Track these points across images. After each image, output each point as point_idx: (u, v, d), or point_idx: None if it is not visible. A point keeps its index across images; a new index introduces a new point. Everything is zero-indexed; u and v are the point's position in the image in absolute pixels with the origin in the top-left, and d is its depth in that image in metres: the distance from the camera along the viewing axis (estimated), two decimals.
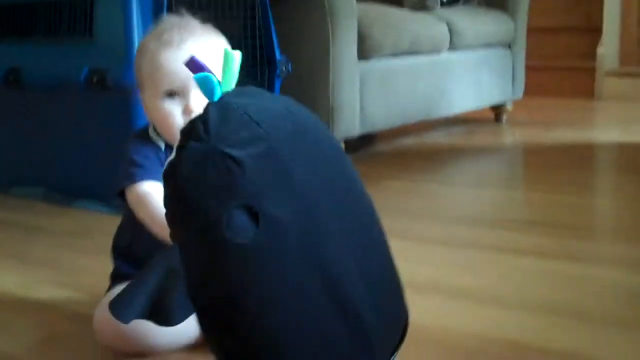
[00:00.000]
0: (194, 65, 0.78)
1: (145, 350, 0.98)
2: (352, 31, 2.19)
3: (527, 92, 3.18)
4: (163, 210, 0.89)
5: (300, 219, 0.74)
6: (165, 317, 0.96)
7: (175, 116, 0.97)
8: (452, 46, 2.69)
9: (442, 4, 2.87)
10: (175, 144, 0.77)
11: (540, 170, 2.27)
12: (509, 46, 3.05)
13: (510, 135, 2.93)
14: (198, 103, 0.96)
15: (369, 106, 2.30)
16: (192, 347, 1.00)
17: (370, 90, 2.30)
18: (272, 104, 0.79)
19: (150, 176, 0.97)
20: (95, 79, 1.71)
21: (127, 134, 1.07)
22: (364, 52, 2.26)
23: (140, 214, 0.96)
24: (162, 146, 1.01)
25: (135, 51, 1.06)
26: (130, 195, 0.98)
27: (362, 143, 2.58)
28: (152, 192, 0.95)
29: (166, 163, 0.78)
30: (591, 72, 3.88)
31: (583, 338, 1.02)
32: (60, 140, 1.87)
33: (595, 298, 1.18)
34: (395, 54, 2.41)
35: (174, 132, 0.96)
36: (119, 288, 1.03)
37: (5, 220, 1.77)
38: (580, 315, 1.10)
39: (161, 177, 0.96)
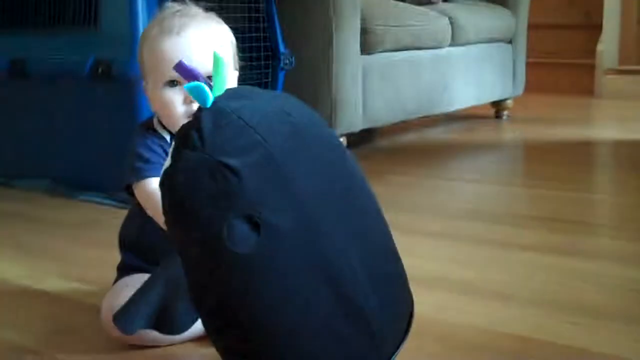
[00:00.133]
0: (182, 69, 0.77)
1: (153, 342, 0.99)
2: (355, 25, 2.20)
3: (527, 88, 3.20)
4: None
5: (301, 224, 0.73)
6: (170, 326, 0.97)
7: (177, 105, 0.97)
8: (454, 41, 2.70)
9: None
10: (170, 149, 0.77)
11: (540, 166, 2.28)
12: (510, 42, 3.06)
13: (511, 132, 2.94)
14: None
15: (371, 101, 2.30)
16: (197, 340, 1.01)
17: (373, 84, 2.31)
18: (267, 105, 0.77)
19: (157, 172, 0.96)
20: (100, 70, 1.71)
21: (132, 125, 1.07)
22: (367, 46, 2.26)
23: (150, 212, 0.97)
24: (168, 137, 1.01)
25: None
26: (138, 192, 0.98)
27: (363, 138, 2.58)
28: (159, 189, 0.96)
29: (162, 172, 0.77)
30: (591, 69, 3.89)
31: (588, 332, 1.03)
32: (64, 131, 1.87)
33: (598, 293, 1.19)
34: (398, 49, 2.42)
35: (176, 121, 0.97)
36: (127, 279, 1.04)
37: (10, 212, 1.77)
38: (584, 310, 1.11)
39: None
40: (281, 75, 1.97)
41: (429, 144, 2.68)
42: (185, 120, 0.95)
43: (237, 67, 1.05)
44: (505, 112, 3.15)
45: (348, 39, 2.18)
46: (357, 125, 2.26)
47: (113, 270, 1.09)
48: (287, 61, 1.96)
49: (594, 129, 3.00)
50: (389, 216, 0.86)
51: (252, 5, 1.91)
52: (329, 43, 2.14)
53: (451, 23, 2.67)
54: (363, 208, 0.82)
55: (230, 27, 1.04)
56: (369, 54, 2.29)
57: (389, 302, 0.81)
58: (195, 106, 0.96)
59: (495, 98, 3.04)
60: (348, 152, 0.85)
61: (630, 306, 1.13)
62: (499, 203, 1.85)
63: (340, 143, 0.84)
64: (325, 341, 0.74)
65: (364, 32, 2.24)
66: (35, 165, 1.97)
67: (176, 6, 1.03)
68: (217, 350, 0.78)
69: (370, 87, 2.30)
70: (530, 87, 3.30)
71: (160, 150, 1.00)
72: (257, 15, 1.92)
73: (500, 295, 1.18)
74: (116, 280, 1.07)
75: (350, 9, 2.16)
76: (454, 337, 1.02)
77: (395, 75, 2.42)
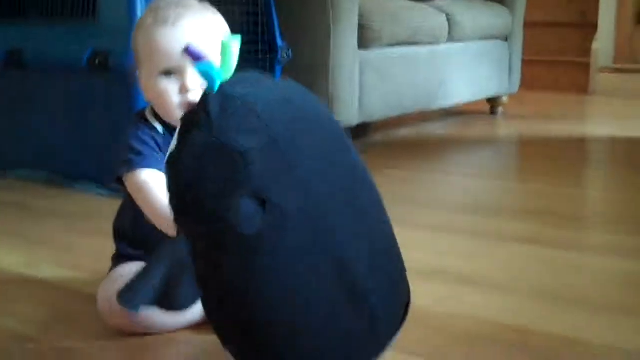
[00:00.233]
0: (190, 52, 0.78)
1: (150, 330, 1.00)
2: (352, 19, 2.20)
3: (522, 86, 3.21)
4: (161, 200, 0.90)
5: (307, 207, 0.74)
6: (172, 303, 0.97)
7: (172, 95, 0.97)
8: (451, 37, 2.70)
9: None
10: (176, 133, 0.77)
11: (534, 162, 2.29)
12: (506, 39, 3.07)
13: (506, 128, 2.96)
14: (194, 82, 0.95)
15: (368, 95, 2.31)
16: (195, 327, 1.01)
17: (369, 79, 2.31)
18: (270, 93, 0.78)
19: (149, 163, 0.97)
20: (97, 61, 1.71)
21: (129, 117, 1.06)
22: (364, 41, 2.27)
23: (139, 202, 0.96)
24: (160, 129, 1.01)
25: None
26: (128, 183, 0.98)
27: (358, 133, 2.59)
28: (150, 181, 0.95)
29: (167, 153, 0.77)
30: (585, 67, 3.91)
31: (582, 323, 1.04)
32: (61, 122, 1.86)
33: (592, 284, 1.20)
34: (395, 44, 2.42)
35: (171, 111, 0.97)
36: (121, 269, 1.04)
37: (7, 202, 1.77)
38: (578, 301, 1.12)
39: (159, 164, 0.96)
40: (278, 69, 1.97)
41: (424, 138, 2.69)
42: (179, 110, 0.96)
43: None
44: (500, 109, 3.16)
45: (345, 34, 2.18)
46: (354, 119, 2.26)
47: (109, 259, 1.10)
48: (285, 54, 1.96)
49: (588, 126, 3.01)
50: None
51: None
52: (326, 37, 2.14)
53: (448, 20, 2.68)
54: (364, 195, 0.83)
55: (228, 20, 1.03)
56: (366, 49, 2.29)
57: (388, 289, 0.82)
58: (190, 96, 0.96)
59: (491, 94, 3.05)
60: (350, 139, 0.85)
61: (627, 298, 1.14)
62: (495, 197, 1.86)
63: (342, 129, 0.85)
64: (327, 324, 0.75)
65: (362, 27, 2.24)
66: (32, 155, 1.97)
67: None
68: (218, 333, 0.78)
69: (367, 82, 2.30)
70: (526, 84, 3.32)
71: (152, 142, 0.99)
72: (255, 8, 1.91)
73: (499, 287, 1.18)
74: (111, 270, 1.07)
75: (348, 3, 2.16)
76: (454, 329, 1.03)
77: (392, 71, 2.42)
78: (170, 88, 0.97)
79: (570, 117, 3.17)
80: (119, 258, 1.08)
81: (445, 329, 1.03)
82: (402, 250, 0.87)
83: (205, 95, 0.75)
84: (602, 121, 3.16)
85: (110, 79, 1.71)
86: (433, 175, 2.09)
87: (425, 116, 2.99)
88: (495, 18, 2.96)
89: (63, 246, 1.41)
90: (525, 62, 3.22)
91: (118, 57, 1.67)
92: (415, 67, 2.54)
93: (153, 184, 0.95)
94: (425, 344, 0.97)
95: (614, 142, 2.63)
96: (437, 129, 2.89)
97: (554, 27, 4.03)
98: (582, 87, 3.89)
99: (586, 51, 3.92)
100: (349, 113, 2.23)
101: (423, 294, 0.91)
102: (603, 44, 3.89)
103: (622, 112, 3.33)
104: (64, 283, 1.21)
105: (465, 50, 2.80)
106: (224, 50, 0.77)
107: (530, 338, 0.99)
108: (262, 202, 0.71)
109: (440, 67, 2.67)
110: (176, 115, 0.97)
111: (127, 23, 1.67)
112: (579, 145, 2.54)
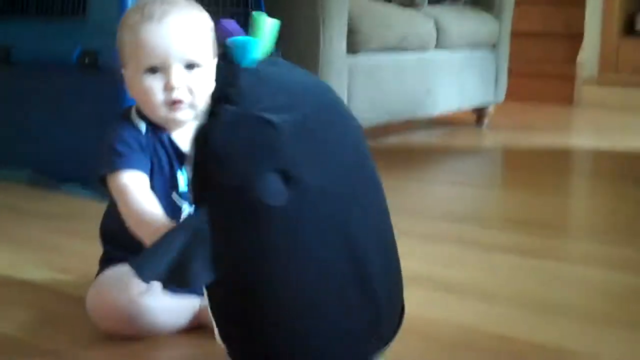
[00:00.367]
0: (224, 30, 0.77)
1: (139, 333, 0.99)
2: (342, 23, 2.20)
3: (507, 96, 3.21)
4: (140, 205, 0.90)
5: (329, 186, 0.75)
6: (182, 279, 0.95)
7: (156, 92, 0.96)
8: (439, 44, 2.71)
9: (429, 1, 2.90)
10: (204, 109, 0.77)
11: (519, 172, 2.31)
12: (494, 47, 3.08)
13: (492, 139, 2.97)
14: (179, 79, 0.95)
15: (356, 101, 2.31)
16: (184, 332, 1.01)
17: (358, 84, 2.32)
18: (303, 77, 0.80)
19: (130, 165, 0.96)
20: (86, 60, 1.70)
21: (115, 116, 1.05)
22: (353, 45, 2.27)
23: (119, 204, 0.96)
24: (143, 129, 1.00)
25: None
26: (110, 184, 0.97)
27: None
28: (130, 184, 0.95)
29: (195, 128, 0.78)
30: (571, 78, 3.93)
31: (565, 332, 1.05)
32: (48, 121, 1.85)
33: (575, 293, 1.21)
34: (383, 49, 2.43)
35: (155, 109, 0.97)
36: (109, 272, 1.03)
37: None
38: (561, 310, 1.13)
39: (141, 165, 0.96)
40: None
41: (409, 148, 2.70)
42: (164, 108, 0.96)
43: (217, 54, 1.04)
44: (486, 120, 3.17)
45: (335, 37, 2.18)
46: None
47: (95, 261, 1.09)
48: (273, 57, 1.96)
49: (572, 138, 3.04)
50: None
51: (241, 2, 1.91)
52: (315, 40, 2.14)
53: (436, 26, 2.69)
54: (372, 194, 0.85)
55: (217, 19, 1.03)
56: (355, 53, 2.30)
57: (391, 285, 0.84)
58: (174, 94, 0.96)
59: (477, 104, 3.06)
60: (364, 137, 0.86)
61: (609, 308, 1.15)
62: (481, 206, 1.87)
63: (360, 126, 0.86)
64: (336, 306, 0.76)
65: (351, 31, 2.25)
66: (16, 154, 1.95)
67: None
68: (219, 317, 0.78)
69: (355, 87, 2.31)
70: (511, 95, 3.32)
71: (134, 143, 0.98)
72: (245, 9, 1.91)
73: (483, 295, 1.19)
74: (99, 273, 1.06)
75: (338, 6, 2.17)
76: (437, 335, 1.04)
77: (381, 77, 2.43)
78: (155, 85, 0.96)
79: (555, 128, 3.19)
80: (107, 260, 1.07)
81: (428, 335, 1.03)
82: None
83: (237, 71, 0.75)
84: (586, 133, 3.19)
85: (100, 78, 1.70)
86: (419, 183, 2.10)
87: (410, 125, 3.00)
88: (482, 25, 2.98)
89: (49, 248, 1.40)
90: (511, 73, 3.23)
91: (107, 56, 1.66)
92: (403, 73, 2.55)
93: (133, 187, 0.94)
94: (408, 350, 0.97)
95: (598, 153, 2.65)
96: (422, 138, 2.90)
97: (539, 37, 4.05)
98: (567, 99, 3.91)
99: (572, 62, 3.94)
100: None
101: (407, 300, 0.91)
102: (588, 55, 3.92)
103: (606, 123, 3.36)
104: (50, 285, 1.20)
105: (452, 58, 2.82)
106: (258, 23, 0.77)
107: (513, 346, 1.00)
108: (287, 177, 0.72)
109: (427, 75, 2.68)
110: (160, 113, 0.97)
111: (117, 22, 1.65)
112: (563, 156, 2.56)
